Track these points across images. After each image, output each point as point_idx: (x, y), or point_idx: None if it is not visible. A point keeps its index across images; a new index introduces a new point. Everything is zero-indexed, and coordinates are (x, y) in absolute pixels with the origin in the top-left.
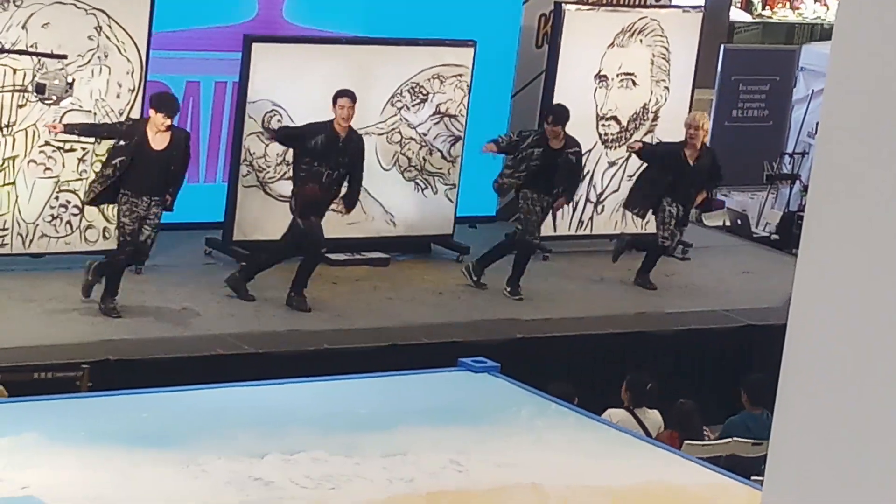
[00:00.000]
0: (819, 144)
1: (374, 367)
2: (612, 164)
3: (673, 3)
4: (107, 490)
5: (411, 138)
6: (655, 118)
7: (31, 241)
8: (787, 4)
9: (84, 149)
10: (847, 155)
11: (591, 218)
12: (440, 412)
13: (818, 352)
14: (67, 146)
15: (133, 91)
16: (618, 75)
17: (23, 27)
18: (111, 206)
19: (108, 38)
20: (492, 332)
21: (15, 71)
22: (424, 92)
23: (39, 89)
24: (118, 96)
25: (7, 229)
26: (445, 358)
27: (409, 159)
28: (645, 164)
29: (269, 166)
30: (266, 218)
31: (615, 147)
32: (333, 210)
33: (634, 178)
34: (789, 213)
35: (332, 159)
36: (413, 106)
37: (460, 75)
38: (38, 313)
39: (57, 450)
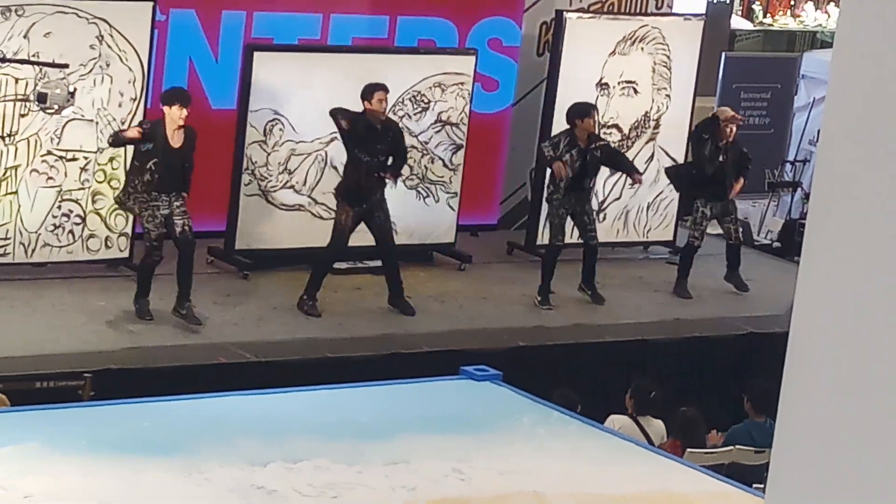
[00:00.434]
0: (820, 152)
1: (376, 376)
2: (613, 172)
3: (674, 11)
4: (109, 498)
5: (413, 146)
6: (657, 126)
7: (33, 250)
8: (788, 12)
9: (86, 158)
10: (848, 162)
11: None
12: (442, 420)
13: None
14: (70, 156)
15: (135, 100)
16: (619, 83)
17: (24, 36)
18: (113, 214)
19: (109, 47)
20: (494, 340)
21: (17, 80)
22: (426, 100)
23: (41, 99)
24: (120, 105)
25: (9, 238)
26: (447, 366)
27: (411, 168)
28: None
29: (270, 175)
30: (268, 226)
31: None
32: (384, 177)
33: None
34: (791, 221)
35: (372, 147)
36: (414, 114)
37: (462, 83)
38: (40, 322)
39: (59, 458)
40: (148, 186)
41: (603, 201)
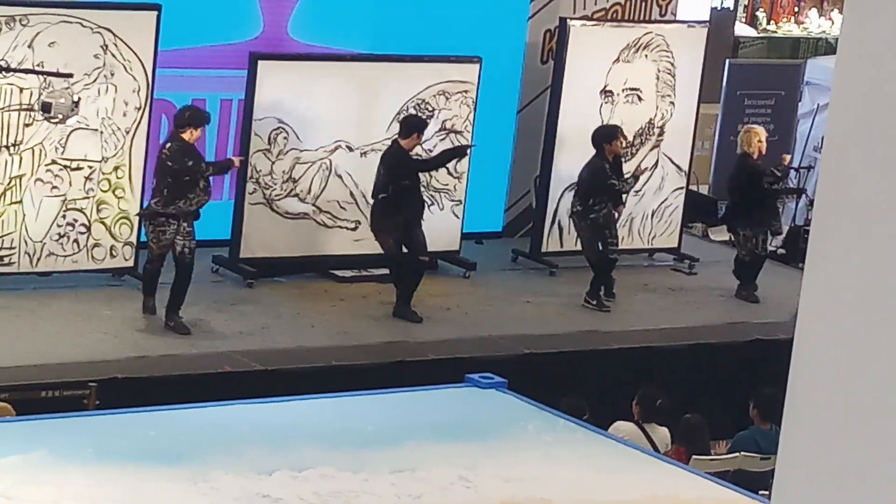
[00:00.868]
0: (825, 158)
1: (382, 384)
2: None
3: (678, 18)
4: None
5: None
6: (661, 133)
7: (38, 259)
8: (792, 19)
9: (91, 167)
10: (853, 169)
11: None
12: (448, 428)
13: (825, 366)
14: (74, 165)
15: (139, 109)
16: (623, 90)
17: (29, 46)
18: (118, 223)
19: (114, 56)
20: (499, 347)
21: (21, 90)
22: (430, 108)
23: (45, 108)
24: (125, 115)
25: (14, 248)
26: (453, 374)
27: None
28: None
29: (275, 184)
30: (273, 235)
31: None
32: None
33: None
34: (795, 228)
35: (413, 182)
36: None
37: (466, 91)
38: (45, 332)
39: (65, 468)
40: (193, 206)
41: None
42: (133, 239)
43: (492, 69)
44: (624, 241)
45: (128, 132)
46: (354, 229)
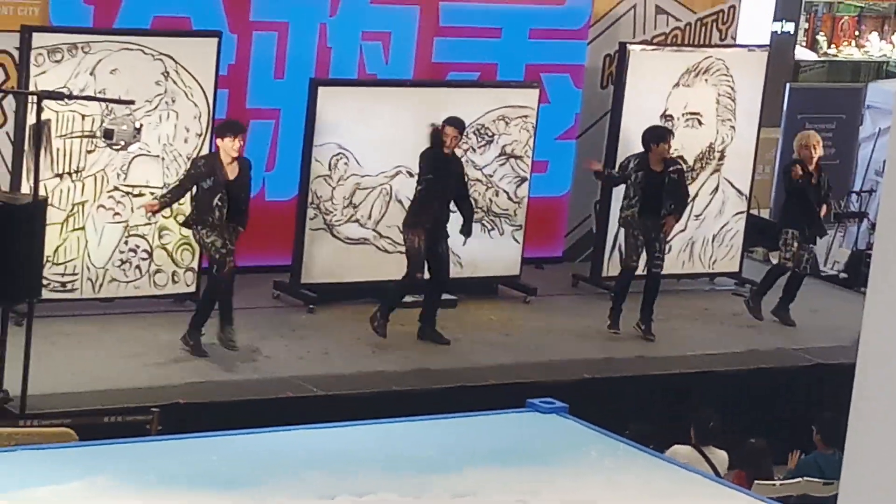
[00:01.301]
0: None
1: (442, 409)
2: None
3: (738, 42)
4: None
5: (477, 179)
6: (721, 157)
7: (100, 285)
8: (853, 42)
9: (153, 193)
10: None
11: None
12: (509, 453)
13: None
14: (136, 191)
15: (200, 136)
16: (683, 115)
17: (91, 73)
18: (179, 249)
19: (175, 83)
20: (560, 372)
21: (83, 117)
22: (490, 133)
23: (108, 135)
24: (186, 141)
25: (77, 274)
26: (513, 399)
27: (476, 200)
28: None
29: (335, 209)
30: (334, 261)
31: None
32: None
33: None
34: (857, 252)
35: (443, 181)
36: (479, 147)
37: (526, 116)
38: (107, 357)
39: (127, 493)
40: (221, 222)
41: None
42: (195, 264)
43: (551, 94)
44: (685, 265)
45: (189, 158)
46: None
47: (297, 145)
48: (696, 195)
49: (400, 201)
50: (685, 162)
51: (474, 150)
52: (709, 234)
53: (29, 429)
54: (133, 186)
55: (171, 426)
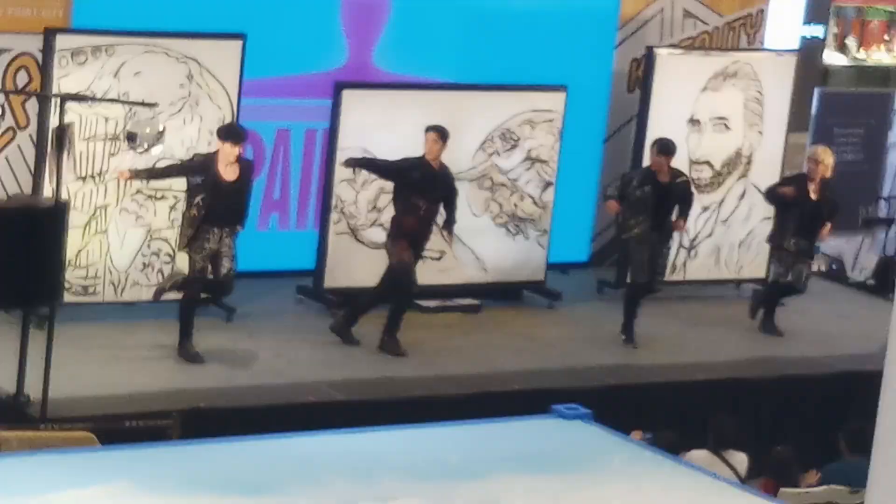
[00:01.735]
0: None
1: (466, 414)
2: (705, 208)
3: (766, 46)
4: None
5: (502, 184)
6: (749, 162)
7: (122, 289)
8: (883, 47)
9: (175, 197)
10: None
11: (684, 263)
12: (533, 459)
13: None
14: (159, 194)
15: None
16: (710, 119)
17: (114, 76)
18: None
19: (199, 86)
20: (584, 378)
21: (107, 120)
22: (515, 137)
23: (131, 138)
24: (209, 144)
25: (99, 278)
26: (538, 404)
27: (501, 205)
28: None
29: (359, 213)
30: (357, 265)
31: (708, 192)
32: (443, 236)
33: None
34: (886, 258)
35: (429, 193)
36: (504, 151)
37: (551, 120)
38: (129, 361)
39: (148, 498)
40: (192, 221)
41: (694, 238)
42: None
43: (578, 98)
44: (710, 271)
45: None
46: (439, 259)
47: None
48: (723, 200)
49: None
50: (712, 167)
51: (499, 154)
52: (735, 239)
53: (50, 433)
54: (156, 189)
55: (191, 431)
